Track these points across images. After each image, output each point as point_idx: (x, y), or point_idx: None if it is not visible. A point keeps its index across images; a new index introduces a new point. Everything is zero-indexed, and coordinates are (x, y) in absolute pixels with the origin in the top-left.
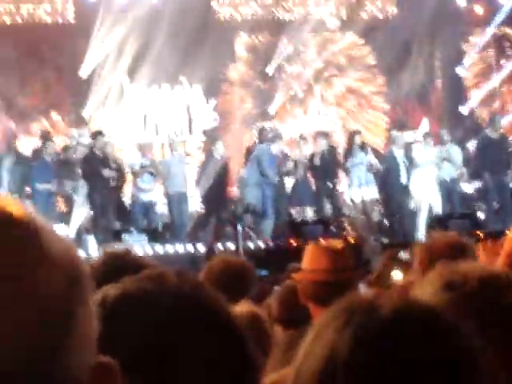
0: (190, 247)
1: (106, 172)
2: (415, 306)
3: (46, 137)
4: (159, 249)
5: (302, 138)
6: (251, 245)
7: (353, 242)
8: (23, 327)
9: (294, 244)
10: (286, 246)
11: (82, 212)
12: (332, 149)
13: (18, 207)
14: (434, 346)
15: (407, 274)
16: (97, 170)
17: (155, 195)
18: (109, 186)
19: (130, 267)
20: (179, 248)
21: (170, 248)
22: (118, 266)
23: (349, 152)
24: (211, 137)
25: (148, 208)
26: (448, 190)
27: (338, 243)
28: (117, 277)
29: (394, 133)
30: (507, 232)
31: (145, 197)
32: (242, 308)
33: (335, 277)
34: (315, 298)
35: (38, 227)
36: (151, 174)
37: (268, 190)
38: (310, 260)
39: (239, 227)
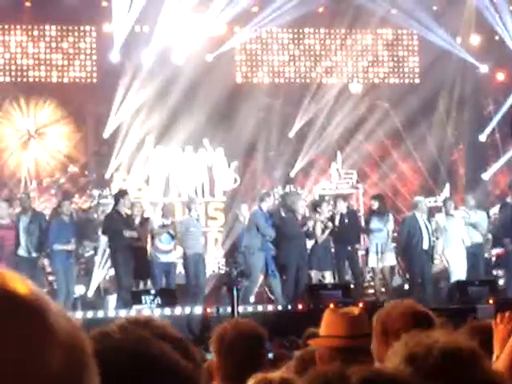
0: (198, 309)
1: (127, 232)
2: (381, 375)
3: (65, 197)
4: (167, 311)
5: (322, 200)
6: (270, 307)
7: (371, 307)
8: None
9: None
10: (302, 309)
11: (101, 272)
12: (352, 212)
13: (24, 284)
14: None
15: None
16: (119, 230)
17: (174, 256)
18: (130, 245)
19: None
20: (190, 309)
21: (178, 310)
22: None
23: (369, 217)
24: (232, 198)
25: (169, 269)
26: (473, 255)
27: (355, 309)
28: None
29: (417, 198)
30: None
31: (163, 258)
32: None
33: (352, 343)
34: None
35: (43, 305)
36: (170, 235)
37: (269, 250)
38: (327, 326)
39: (235, 291)
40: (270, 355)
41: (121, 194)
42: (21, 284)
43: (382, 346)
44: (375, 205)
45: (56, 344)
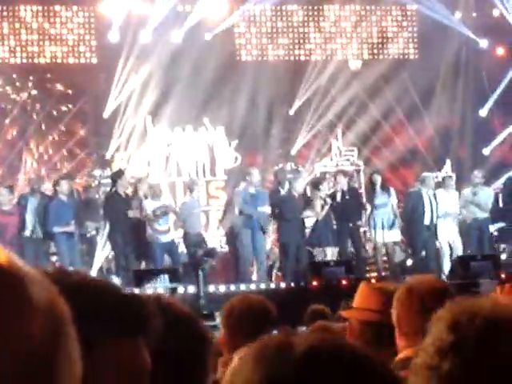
0: (211, 288)
1: (131, 213)
2: (326, 346)
3: (62, 177)
4: (181, 289)
5: (322, 177)
6: (273, 285)
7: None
8: (4, 380)
9: (315, 285)
10: (306, 287)
11: (104, 253)
12: (353, 189)
13: (2, 253)
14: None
15: None
16: (119, 210)
17: (173, 235)
18: (131, 226)
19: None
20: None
21: (190, 288)
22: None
23: (371, 193)
24: (233, 177)
25: (171, 248)
26: (479, 230)
27: (390, 285)
28: None
29: (425, 173)
30: None
31: (163, 238)
32: None
33: (385, 318)
34: (361, 338)
35: (21, 274)
36: (165, 214)
37: (257, 228)
38: (361, 299)
39: (200, 272)
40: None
41: (117, 175)
42: None
43: (412, 321)
44: (378, 180)
45: (35, 314)
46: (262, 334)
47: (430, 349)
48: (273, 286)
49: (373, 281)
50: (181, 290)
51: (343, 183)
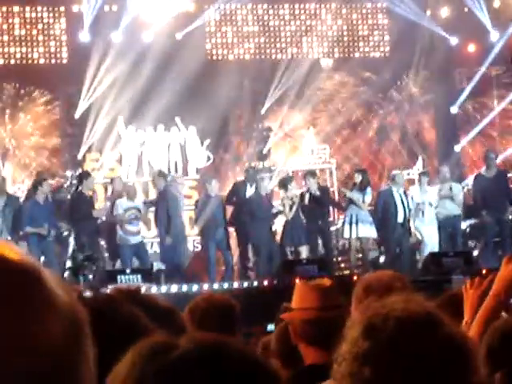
0: (184, 287)
1: (95, 212)
2: (207, 346)
3: (41, 177)
4: (153, 289)
5: (290, 176)
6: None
7: (346, 280)
8: (26, 380)
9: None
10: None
11: (76, 253)
12: (323, 188)
13: (17, 252)
14: None
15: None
16: (84, 210)
17: (142, 237)
18: (97, 227)
19: (143, 304)
20: (173, 288)
21: (163, 288)
22: (132, 302)
23: (350, 189)
24: (205, 176)
25: (139, 250)
26: (450, 227)
27: (326, 281)
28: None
29: (394, 171)
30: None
31: (133, 240)
32: None
33: (324, 315)
34: (305, 337)
35: (40, 274)
36: (136, 216)
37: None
38: (299, 298)
39: (81, 277)
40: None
41: (84, 176)
42: (13, 252)
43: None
44: (358, 178)
45: (56, 315)
46: (227, 333)
47: (348, 356)
48: (246, 284)
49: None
50: (154, 289)
51: (312, 184)
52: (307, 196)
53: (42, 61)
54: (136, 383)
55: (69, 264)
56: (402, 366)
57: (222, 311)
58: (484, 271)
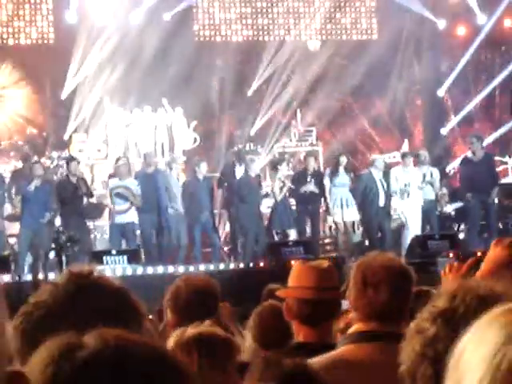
0: (171, 269)
1: (79, 194)
2: (112, 345)
3: (26, 159)
4: (139, 270)
5: (281, 158)
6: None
7: (333, 262)
8: None
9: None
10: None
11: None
12: (318, 171)
13: None
14: None
15: None
16: (69, 193)
17: (131, 217)
18: (82, 209)
19: (92, 287)
20: (159, 269)
21: (150, 269)
22: (81, 285)
23: (332, 173)
24: (194, 159)
25: (126, 230)
26: (428, 211)
27: (324, 262)
28: (79, 296)
29: (374, 155)
30: (479, 253)
31: (119, 219)
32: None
33: (320, 295)
34: (299, 316)
35: None
36: (124, 195)
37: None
38: (296, 277)
39: (64, 257)
40: None
41: (68, 160)
42: None
43: (359, 296)
44: (344, 161)
45: None
46: (211, 315)
47: (424, 315)
48: (232, 266)
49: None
50: (140, 271)
51: (312, 165)
52: (308, 177)
53: (28, 41)
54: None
55: (52, 245)
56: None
57: (205, 293)
58: (479, 254)
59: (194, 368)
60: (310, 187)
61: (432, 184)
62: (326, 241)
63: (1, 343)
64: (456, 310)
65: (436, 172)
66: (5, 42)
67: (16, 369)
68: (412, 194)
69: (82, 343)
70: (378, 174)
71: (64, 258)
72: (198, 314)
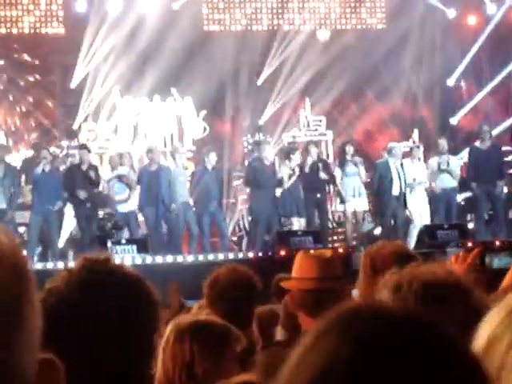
0: (179, 258)
1: (81, 193)
2: (413, 313)
3: (37, 148)
4: (149, 259)
5: (294, 147)
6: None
7: (342, 252)
8: None
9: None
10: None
11: (71, 223)
12: (323, 160)
13: None
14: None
15: None
16: (78, 182)
17: (131, 206)
18: (88, 200)
19: (108, 274)
20: (168, 259)
21: (159, 259)
22: (96, 272)
23: (341, 162)
24: (204, 148)
25: (128, 219)
26: (447, 200)
27: (326, 252)
28: (95, 282)
29: (391, 143)
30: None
31: (120, 208)
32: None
33: (323, 285)
34: (304, 306)
35: None
36: (125, 184)
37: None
38: (299, 268)
39: (109, 243)
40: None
41: (81, 148)
42: None
43: (368, 284)
44: (350, 150)
45: (2, 259)
46: (243, 309)
47: None
48: (240, 255)
49: (340, 250)
50: (149, 260)
51: (314, 154)
52: (307, 167)
53: (38, 30)
54: None
55: (97, 233)
56: None
57: (241, 287)
58: (497, 243)
59: (186, 356)
60: (322, 175)
61: (450, 172)
62: (335, 230)
63: (35, 328)
64: (406, 299)
65: (454, 160)
66: (16, 31)
67: (48, 356)
68: (416, 188)
69: (384, 307)
70: (394, 163)
71: (110, 245)
72: (230, 306)
